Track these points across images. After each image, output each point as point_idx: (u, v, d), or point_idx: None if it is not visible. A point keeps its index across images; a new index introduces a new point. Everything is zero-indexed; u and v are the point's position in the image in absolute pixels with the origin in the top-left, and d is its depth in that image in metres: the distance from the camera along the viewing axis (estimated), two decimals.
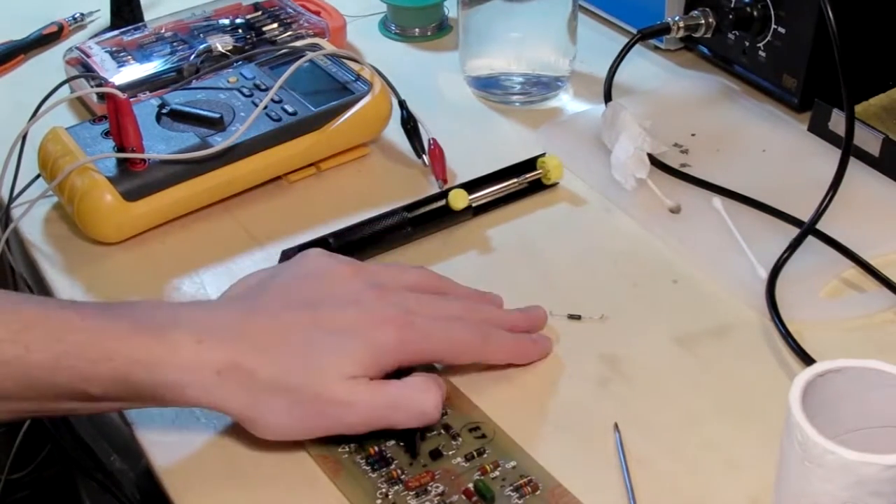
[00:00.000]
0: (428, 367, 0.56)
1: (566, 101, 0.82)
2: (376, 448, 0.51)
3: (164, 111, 0.71)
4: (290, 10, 0.88)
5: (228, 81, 0.75)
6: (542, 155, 0.71)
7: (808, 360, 0.56)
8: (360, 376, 0.50)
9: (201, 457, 0.53)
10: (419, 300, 0.55)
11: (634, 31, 0.80)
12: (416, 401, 0.51)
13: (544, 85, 0.81)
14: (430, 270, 0.59)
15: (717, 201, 0.67)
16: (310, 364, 0.50)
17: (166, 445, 0.53)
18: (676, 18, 0.79)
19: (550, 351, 0.58)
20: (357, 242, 0.65)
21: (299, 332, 0.51)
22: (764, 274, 0.61)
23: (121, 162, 0.67)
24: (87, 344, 0.48)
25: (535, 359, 0.57)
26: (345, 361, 0.50)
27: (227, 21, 0.86)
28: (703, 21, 0.79)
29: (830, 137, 0.73)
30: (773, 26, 0.76)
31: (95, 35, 0.88)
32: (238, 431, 0.54)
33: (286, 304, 0.53)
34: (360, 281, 0.54)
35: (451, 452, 0.51)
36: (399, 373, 0.52)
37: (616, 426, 0.53)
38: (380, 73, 0.75)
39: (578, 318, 0.60)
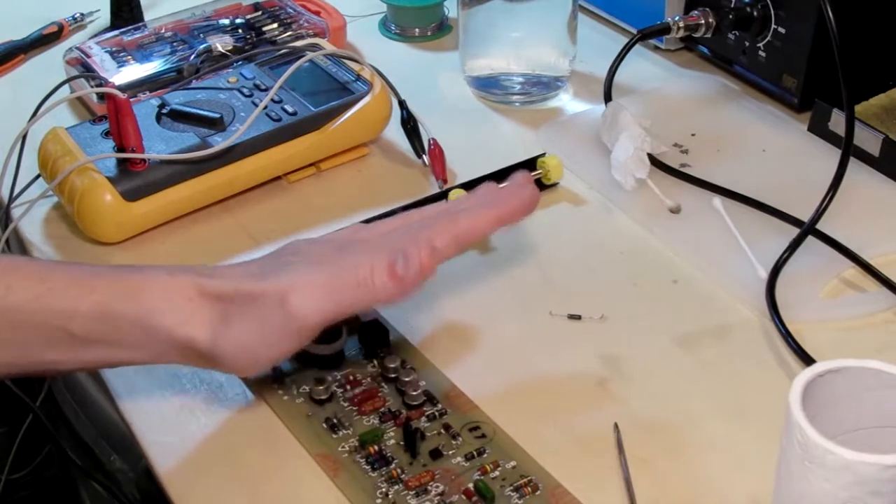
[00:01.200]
0: (424, 363, 0.56)
1: (566, 101, 0.82)
2: (376, 447, 0.51)
3: (164, 111, 0.71)
4: (290, 10, 0.88)
5: (228, 81, 0.75)
6: (542, 155, 0.71)
7: (808, 360, 0.56)
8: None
9: (201, 457, 0.53)
10: (368, 232, 0.55)
11: (634, 31, 0.80)
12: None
13: (544, 85, 0.81)
14: (407, 214, 0.57)
15: (717, 201, 0.67)
16: (270, 272, 0.51)
17: (166, 445, 0.53)
18: (676, 18, 0.79)
19: (535, 199, 0.54)
20: None
21: (261, 263, 0.53)
22: (764, 274, 0.61)
23: (121, 162, 0.67)
24: (68, 281, 0.49)
25: (520, 214, 0.54)
26: (306, 269, 0.51)
27: (227, 21, 0.86)
28: (703, 21, 0.79)
29: (830, 137, 0.73)
30: (773, 26, 0.76)
31: (95, 35, 0.88)
32: (238, 432, 0.54)
33: (251, 261, 0.54)
34: (325, 240, 0.55)
35: (451, 452, 0.51)
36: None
37: (616, 426, 0.53)
38: (380, 73, 0.75)
39: (578, 318, 0.60)
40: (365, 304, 0.51)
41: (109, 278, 0.50)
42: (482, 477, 0.50)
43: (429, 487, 0.49)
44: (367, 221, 0.65)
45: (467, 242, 0.53)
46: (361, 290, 0.50)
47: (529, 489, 0.49)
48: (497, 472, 0.50)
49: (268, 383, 0.56)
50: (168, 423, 0.55)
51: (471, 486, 0.49)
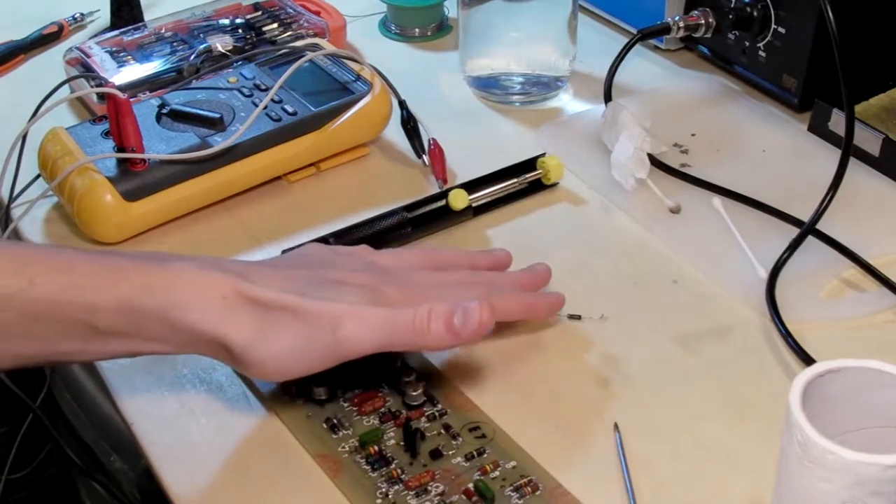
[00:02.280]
0: (424, 363, 0.56)
1: (566, 101, 0.82)
2: (376, 448, 0.51)
3: (164, 111, 0.71)
4: (290, 10, 0.88)
5: (228, 81, 0.75)
6: (542, 155, 0.71)
7: (808, 360, 0.56)
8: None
9: (201, 457, 0.53)
10: (419, 274, 0.55)
11: (634, 31, 0.80)
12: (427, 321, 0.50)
13: (544, 85, 0.81)
14: (428, 248, 0.59)
15: (717, 201, 0.67)
16: (311, 293, 0.50)
17: (166, 445, 0.53)
18: (676, 18, 0.79)
19: (562, 304, 0.58)
20: (357, 242, 0.64)
21: (302, 279, 0.52)
22: (764, 274, 0.61)
23: (121, 162, 0.67)
24: (92, 274, 0.48)
25: (545, 312, 0.57)
26: (350, 297, 0.51)
27: (227, 21, 0.86)
28: (703, 21, 0.79)
29: (830, 137, 0.73)
30: (773, 26, 0.76)
31: (95, 35, 0.88)
32: (238, 431, 0.54)
33: (283, 263, 0.54)
34: (359, 263, 0.55)
35: (451, 452, 0.51)
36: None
37: (616, 426, 0.53)
38: (380, 73, 0.75)
39: (578, 318, 0.60)
40: (415, 347, 0.51)
41: (135, 270, 0.49)
42: (482, 477, 0.50)
43: (429, 487, 0.49)
44: (367, 222, 0.66)
45: (514, 318, 0.57)
46: (416, 335, 0.50)
47: (529, 489, 0.49)
48: (497, 472, 0.50)
49: (266, 382, 0.56)
50: (168, 423, 0.55)
51: (471, 486, 0.49)
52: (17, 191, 0.70)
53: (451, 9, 0.92)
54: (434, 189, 0.71)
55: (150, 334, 0.49)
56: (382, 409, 0.54)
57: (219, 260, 0.53)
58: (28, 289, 0.47)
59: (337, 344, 0.50)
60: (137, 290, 0.48)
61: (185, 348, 0.51)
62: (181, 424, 0.54)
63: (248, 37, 0.84)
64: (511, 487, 0.49)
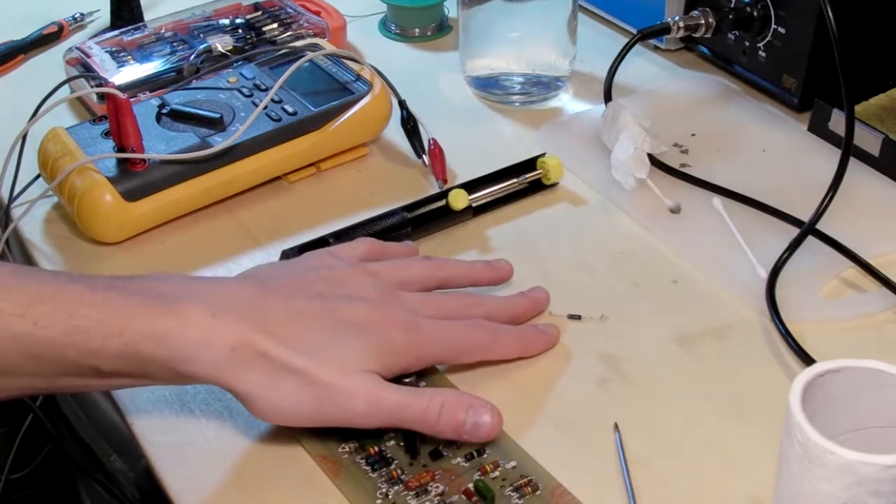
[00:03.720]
0: (432, 374, 0.56)
1: (566, 101, 0.82)
2: (376, 448, 0.51)
3: (164, 111, 0.71)
4: (290, 10, 0.88)
5: (228, 81, 0.75)
6: (542, 155, 0.71)
7: (808, 360, 0.56)
8: (373, 372, 0.50)
9: (201, 457, 0.53)
10: (424, 301, 0.55)
11: (634, 31, 0.80)
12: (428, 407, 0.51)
13: (544, 85, 0.81)
14: (431, 260, 0.59)
15: (717, 201, 0.67)
16: (325, 351, 0.50)
17: (166, 445, 0.53)
18: (676, 18, 0.79)
19: (557, 340, 0.58)
20: None
21: (315, 319, 0.51)
22: (764, 274, 0.61)
23: (121, 162, 0.67)
24: (97, 319, 0.47)
25: (542, 350, 0.57)
26: (360, 355, 0.50)
27: (227, 21, 0.86)
28: (703, 21, 0.79)
29: (830, 137, 0.73)
30: (773, 26, 0.76)
31: (95, 35, 0.88)
32: (238, 431, 0.54)
33: (298, 291, 0.52)
34: (368, 281, 0.55)
35: (451, 452, 0.51)
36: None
37: (616, 426, 0.53)
38: (380, 73, 0.75)
39: (578, 318, 0.60)
40: (420, 430, 0.51)
41: (142, 314, 0.48)
42: (482, 477, 0.50)
43: (429, 488, 0.49)
44: (367, 222, 0.66)
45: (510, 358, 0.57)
46: (424, 426, 0.51)
47: (529, 489, 0.49)
48: (497, 473, 0.50)
49: None
50: (168, 423, 0.55)
51: (471, 486, 0.49)
52: (17, 191, 0.70)
53: (451, 9, 0.92)
54: (434, 189, 0.71)
55: (154, 377, 0.50)
56: None
57: (233, 292, 0.51)
58: (32, 331, 0.47)
59: (345, 417, 0.50)
60: (143, 339, 0.48)
61: (189, 384, 0.52)
62: (181, 424, 0.54)
63: (248, 37, 0.84)
64: (511, 487, 0.49)
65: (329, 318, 0.51)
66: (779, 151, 0.74)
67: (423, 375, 0.56)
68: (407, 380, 0.55)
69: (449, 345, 0.54)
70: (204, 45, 0.82)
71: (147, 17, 0.90)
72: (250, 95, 0.73)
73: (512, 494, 0.49)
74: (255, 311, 0.50)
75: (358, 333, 0.51)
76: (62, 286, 0.48)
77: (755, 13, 0.76)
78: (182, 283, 0.51)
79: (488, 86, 0.82)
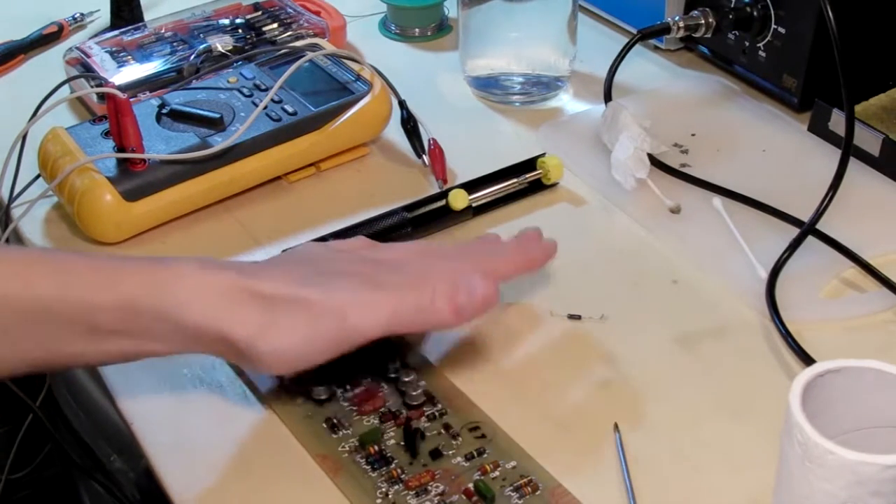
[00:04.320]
0: (424, 363, 0.56)
1: (566, 101, 0.82)
2: (376, 448, 0.51)
3: (164, 111, 0.71)
4: (290, 10, 0.88)
5: (228, 81, 0.75)
6: (542, 155, 0.71)
7: (808, 360, 0.56)
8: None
9: (201, 457, 0.53)
10: (418, 262, 0.55)
11: (634, 31, 0.80)
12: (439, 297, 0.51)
13: (544, 85, 0.81)
14: (425, 241, 0.59)
15: (717, 201, 0.67)
16: (313, 279, 0.51)
17: (166, 445, 0.53)
18: (676, 18, 0.79)
19: (555, 251, 0.58)
20: None
21: (300, 266, 0.52)
22: (764, 274, 0.61)
23: (121, 162, 0.67)
24: (92, 274, 0.49)
25: (541, 261, 0.58)
26: (348, 281, 0.51)
27: (227, 21, 0.86)
28: (703, 21, 0.79)
29: (830, 137, 0.73)
30: (773, 26, 0.76)
31: (95, 35, 0.88)
32: (238, 431, 0.54)
33: (289, 265, 0.54)
34: (360, 256, 0.56)
35: (451, 452, 0.51)
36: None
37: (616, 426, 0.53)
38: (380, 73, 0.75)
39: (578, 318, 0.60)
40: (422, 327, 0.52)
41: (135, 270, 0.49)
42: (482, 477, 0.50)
43: (429, 487, 0.49)
44: (367, 222, 0.66)
45: (516, 275, 0.58)
46: (421, 315, 0.51)
47: (529, 489, 0.49)
48: (497, 472, 0.50)
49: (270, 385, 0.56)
50: (168, 423, 0.55)
51: (471, 485, 0.49)
52: (17, 191, 0.70)
53: (451, 9, 0.92)
54: (434, 189, 0.71)
55: (151, 333, 0.49)
56: (382, 409, 0.54)
57: (220, 260, 0.53)
58: (25, 290, 0.47)
59: (344, 332, 0.50)
60: (138, 289, 0.48)
61: (187, 347, 0.51)
62: (181, 424, 0.54)
63: (248, 37, 0.84)
64: (511, 487, 0.49)
65: (316, 271, 0.52)
66: (779, 151, 0.74)
67: (423, 375, 0.56)
68: (407, 379, 0.55)
69: (441, 278, 0.53)
70: (204, 45, 0.82)
71: (147, 17, 0.90)
72: (250, 95, 0.73)
73: (512, 494, 0.49)
74: (243, 266, 0.52)
75: (348, 277, 0.52)
76: (56, 252, 0.51)
77: (755, 13, 0.76)
78: (167, 256, 0.53)
79: (488, 86, 0.82)
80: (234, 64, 0.79)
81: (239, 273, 0.50)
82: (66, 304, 0.48)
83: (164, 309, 0.49)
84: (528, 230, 0.60)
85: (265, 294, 0.50)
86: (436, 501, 0.49)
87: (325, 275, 0.52)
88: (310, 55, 0.75)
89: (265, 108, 0.70)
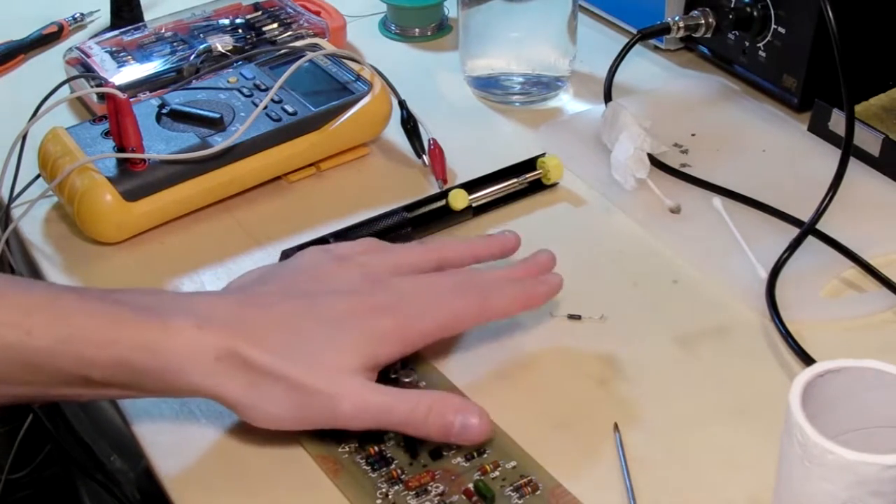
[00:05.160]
0: (433, 374, 0.56)
1: (566, 101, 0.82)
2: (376, 448, 0.51)
3: (164, 111, 0.71)
4: (290, 10, 0.88)
5: (228, 81, 0.75)
6: (542, 155, 0.71)
7: (808, 360, 0.56)
8: (358, 370, 0.50)
9: (201, 457, 0.53)
10: (413, 282, 0.55)
11: (634, 31, 0.80)
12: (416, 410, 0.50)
13: (544, 85, 0.81)
14: (426, 246, 0.59)
15: (717, 201, 0.67)
16: (307, 354, 0.50)
17: (166, 445, 0.53)
18: (676, 18, 0.79)
19: (560, 287, 0.57)
20: None
21: (296, 321, 0.51)
22: (764, 274, 0.61)
23: (121, 162, 0.67)
24: (90, 328, 0.48)
25: (544, 299, 0.57)
26: (343, 353, 0.51)
27: (227, 21, 0.86)
28: (703, 21, 0.79)
29: (830, 137, 0.73)
30: (773, 26, 0.76)
31: (95, 35, 0.88)
32: (238, 432, 0.54)
33: (284, 295, 0.53)
34: (355, 273, 0.55)
35: (451, 452, 0.51)
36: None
37: (616, 426, 0.53)
38: (380, 73, 0.75)
39: (578, 318, 0.60)
40: (406, 431, 0.51)
41: (133, 325, 0.49)
42: (482, 477, 0.50)
43: (429, 488, 0.49)
44: (367, 222, 0.66)
45: (514, 314, 0.57)
46: (411, 428, 0.50)
47: (529, 489, 0.49)
48: (497, 473, 0.50)
49: None
50: (168, 423, 0.55)
51: (471, 486, 0.49)
52: (17, 191, 0.70)
53: (451, 9, 0.92)
54: (434, 189, 0.71)
55: (145, 388, 0.50)
56: None
57: (217, 304, 0.52)
58: (26, 340, 0.47)
59: (332, 421, 0.50)
60: (133, 350, 0.48)
61: (181, 397, 0.53)
62: (181, 424, 0.54)
63: (248, 37, 0.84)
64: (511, 487, 0.49)
65: (310, 317, 0.52)
66: (779, 151, 0.74)
67: (423, 376, 0.56)
68: (407, 380, 0.55)
69: (438, 318, 0.53)
70: (204, 45, 0.82)
71: (147, 17, 0.90)
72: (250, 95, 0.73)
73: (512, 494, 0.49)
74: (239, 321, 0.51)
75: (340, 328, 0.51)
76: (56, 295, 0.50)
77: (755, 13, 0.76)
78: (170, 298, 0.53)
79: (488, 86, 0.82)
80: (234, 64, 0.78)
81: (234, 337, 0.50)
82: (65, 358, 0.48)
83: (158, 371, 0.49)
84: (540, 254, 0.59)
85: (257, 365, 0.49)
86: (436, 501, 0.49)
87: (317, 339, 0.51)
88: (310, 55, 0.75)
89: (265, 108, 0.70)
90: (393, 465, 0.51)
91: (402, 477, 0.50)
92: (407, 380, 0.55)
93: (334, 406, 0.50)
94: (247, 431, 0.53)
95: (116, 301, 0.50)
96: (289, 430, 0.51)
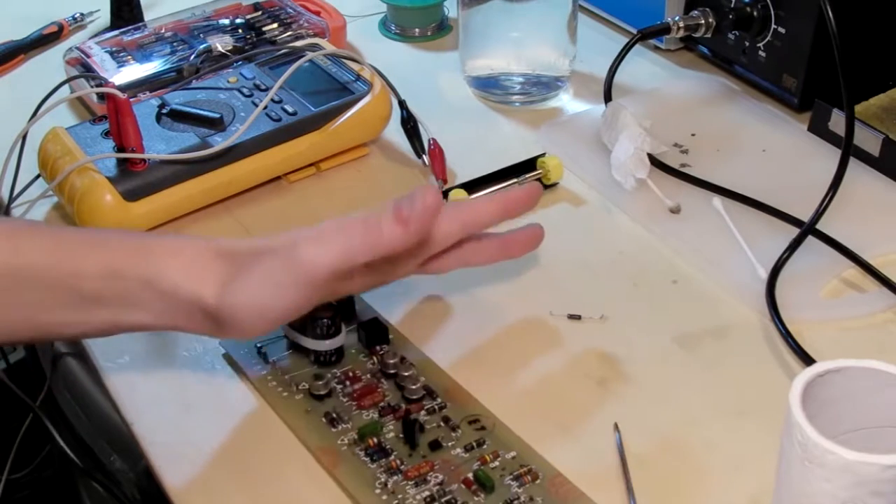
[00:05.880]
0: (423, 360, 0.56)
1: (566, 101, 0.82)
2: (375, 440, 0.51)
3: (164, 111, 0.71)
4: (290, 10, 0.88)
5: (228, 81, 0.75)
6: (542, 155, 0.71)
7: (808, 360, 0.56)
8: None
9: (201, 457, 0.53)
10: None
11: (634, 31, 0.80)
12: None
13: (544, 85, 0.81)
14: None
15: (717, 201, 0.67)
16: (281, 234, 0.52)
17: (166, 445, 0.53)
18: (676, 18, 0.79)
19: (541, 235, 0.59)
20: None
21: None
22: (764, 274, 0.61)
23: (121, 162, 0.67)
24: (78, 242, 0.51)
25: (521, 204, 0.58)
26: (316, 230, 0.52)
27: (227, 21, 0.86)
28: (703, 21, 0.79)
29: (830, 137, 0.73)
30: (773, 26, 0.76)
31: (95, 35, 0.88)
32: (238, 431, 0.54)
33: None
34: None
35: (450, 444, 0.51)
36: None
37: (616, 426, 0.53)
38: (380, 73, 0.75)
39: (578, 318, 0.60)
40: (374, 250, 0.51)
41: (118, 238, 0.52)
42: (482, 467, 0.50)
43: (428, 477, 0.50)
44: None
45: (471, 222, 0.57)
46: (369, 235, 0.51)
47: (529, 478, 0.49)
48: (497, 462, 0.50)
49: (266, 380, 0.56)
50: (168, 423, 0.55)
51: (470, 475, 0.49)
52: (17, 191, 0.70)
53: (451, 9, 0.92)
54: None
55: (134, 301, 0.50)
56: (382, 404, 0.54)
57: (205, 236, 0.55)
58: (14, 256, 0.49)
59: (300, 266, 0.50)
60: (120, 255, 0.50)
61: (169, 318, 0.51)
62: (181, 424, 0.54)
63: (248, 37, 0.84)
64: (511, 476, 0.49)
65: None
66: (779, 151, 0.74)
67: (422, 371, 0.56)
68: (406, 374, 0.55)
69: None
70: (204, 45, 0.82)
71: (147, 17, 0.90)
72: (250, 95, 0.73)
73: (512, 483, 0.49)
74: (218, 240, 0.53)
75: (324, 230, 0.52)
76: (41, 223, 0.54)
77: (755, 13, 0.76)
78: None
79: (488, 86, 0.82)
80: (234, 64, 0.79)
81: (214, 239, 0.52)
82: (54, 271, 0.49)
83: (145, 272, 0.50)
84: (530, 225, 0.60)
85: (233, 251, 0.51)
86: (435, 491, 0.49)
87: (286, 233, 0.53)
88: (310, 55, 0.75)
89: (265, 108, 0.70)
90: (392, 457, 0.51)
91: (402, 467, 0.50)
92: (406, 374, 0.55)
93: (295, 252, 0.50)
94: (247, 431, 0.54)
95: (104, 229, 0.55)
96: (290, 415, 0.52)
